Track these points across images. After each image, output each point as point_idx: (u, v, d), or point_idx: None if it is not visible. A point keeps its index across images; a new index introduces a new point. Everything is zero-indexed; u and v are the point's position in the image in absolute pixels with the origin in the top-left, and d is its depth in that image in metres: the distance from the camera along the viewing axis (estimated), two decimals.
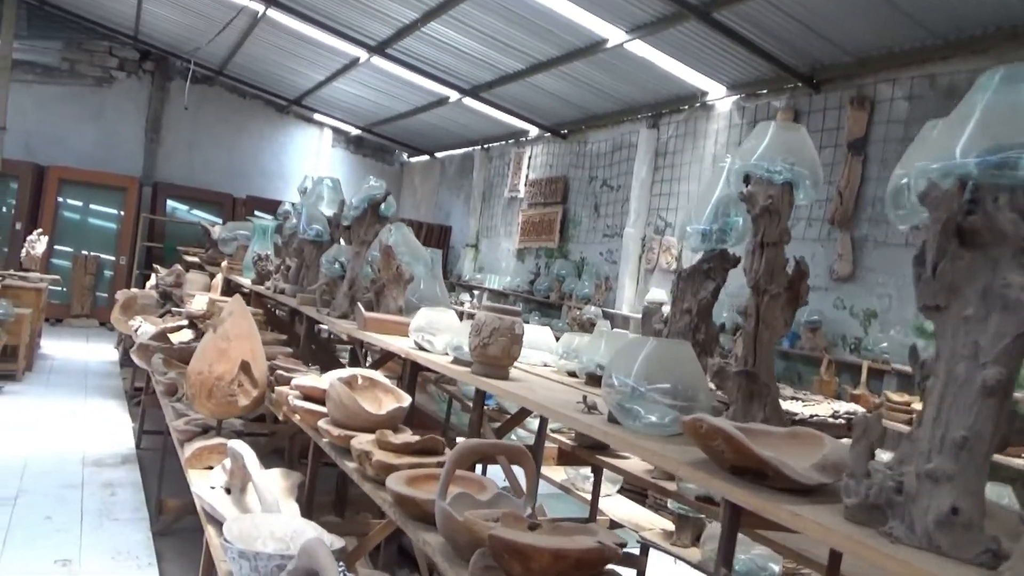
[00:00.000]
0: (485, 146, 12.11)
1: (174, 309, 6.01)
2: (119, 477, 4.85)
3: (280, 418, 3.17)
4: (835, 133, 6.40)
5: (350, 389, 2.55)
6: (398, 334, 3.33)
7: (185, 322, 6.18)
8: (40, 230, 8.93)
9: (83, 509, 4.25)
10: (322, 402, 2.73)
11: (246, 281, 5.95)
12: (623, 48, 7.03)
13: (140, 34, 11.94)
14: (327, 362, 4.52)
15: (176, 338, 5.76)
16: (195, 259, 8.76)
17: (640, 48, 6.96)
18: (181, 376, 4.39)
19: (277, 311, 6.01)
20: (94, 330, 11.24)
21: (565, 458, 3.25)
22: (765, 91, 7.12)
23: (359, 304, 3.43)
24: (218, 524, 2.61)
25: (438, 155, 13.93)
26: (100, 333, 11.00)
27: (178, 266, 8.83)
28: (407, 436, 2.28)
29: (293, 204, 7.42)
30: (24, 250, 8.49)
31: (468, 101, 10.07)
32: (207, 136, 13.35)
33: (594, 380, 2.52)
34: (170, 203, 12.91)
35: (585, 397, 1.96)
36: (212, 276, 7.04)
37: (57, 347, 9.19)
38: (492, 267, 11.60)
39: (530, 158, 10.92)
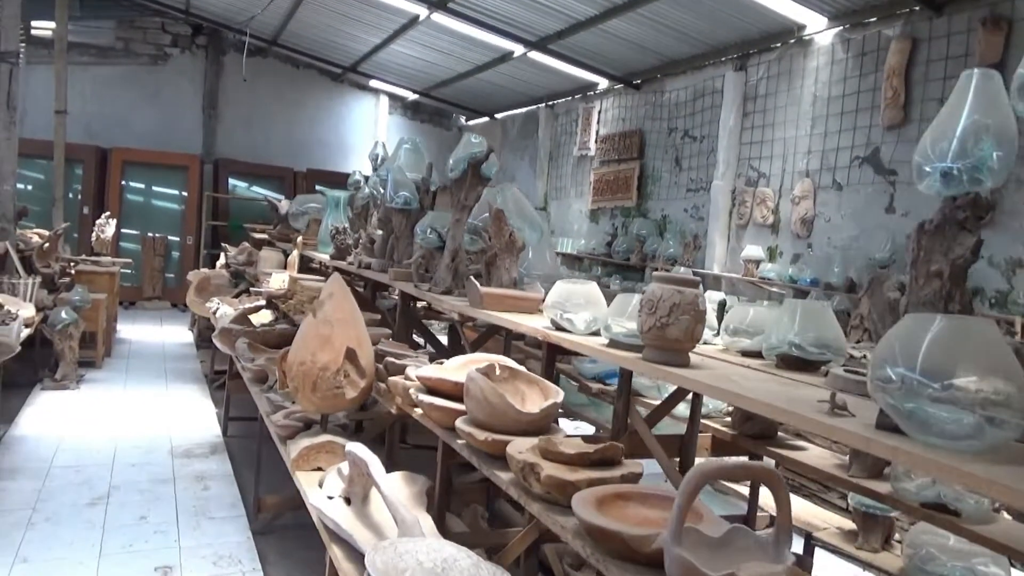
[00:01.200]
0: (549, 103, 11.54)
1: (252, 289, 5.72)
2: (210, 469, 4.60)
3: (393, 411, 2.80)
4: (962, 61, 5.68)
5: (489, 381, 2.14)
6: (521, 311, 2.91)
7: (263, 302, 5.90)
8: (108, 213, 8.78)
9: (178, 507, 3.99)
10: (450, 396, 2.33)
11: (323, 256, 5.62)
12: None
13: (191, 7, 11.64)
14: (428, 344, 4.15)
15: (255, 319, 5.48)
16: (263, 236, 8.50)
17: None
18: (271, 362, 4.08)
19: (358, 287, 5.66)
20: (167, 312, 11.19)
21: (722, 449, 2.80)
22: (874, 19, 6.39)
23: (471, 278, 3.01)
24: (342, 543, 2.25)
25: (498, 116, 13.40)
26: (173, 315, 10.94)
27: (246, 244, 8.61)
28: (578, 443, 1.86)
29: (368, 175, 7.07)
30: (94, 234, 8.35)
31: (534, 55, 9.50)
32: (263, 109, 13.09)
33: (790, 363, 2.06)
34: (231, 180, 12.72)
35: (834, 395, 1.49)
36: (285, 253, 6.74)
37: (133, 331, 9.10)
38: (563, 230, 11.10)
39: (600, 112, 10.32)
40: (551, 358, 2.55)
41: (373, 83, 13.44)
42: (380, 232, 4.55)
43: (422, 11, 8.91)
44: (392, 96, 14.01)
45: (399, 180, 4.15)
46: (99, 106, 11.93)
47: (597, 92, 10.33)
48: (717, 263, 7.90)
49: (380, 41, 10.74)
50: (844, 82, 6.66)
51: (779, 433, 2.72)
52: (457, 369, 2.49)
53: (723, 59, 8.04)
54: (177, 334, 9.28)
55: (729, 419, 2.86)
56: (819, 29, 6.81)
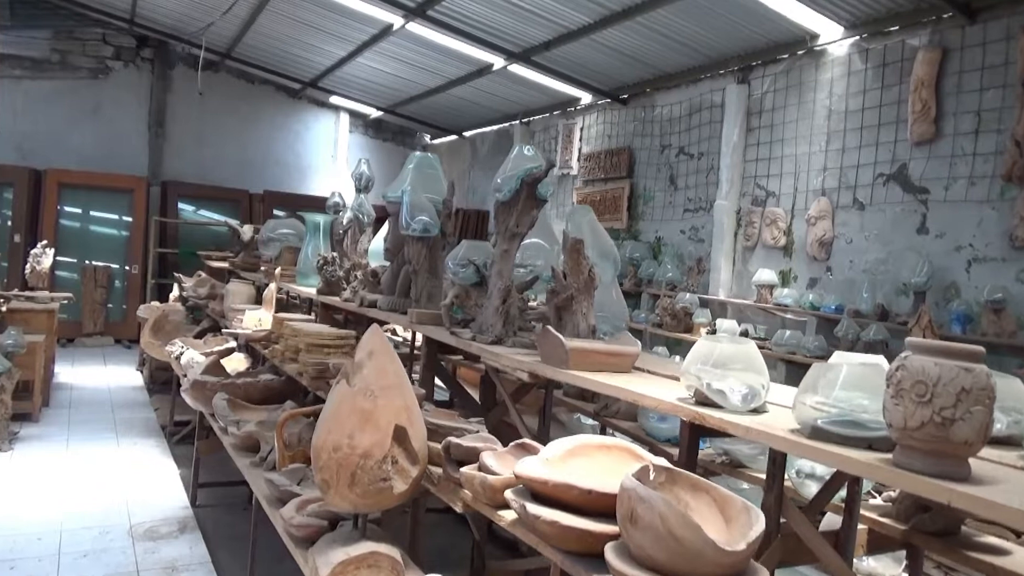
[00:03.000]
0: (525, 120, 10.97)
1: (225, 331, 4.92)
2: (182, 556, 3.79)
3: (458, 508, 2.11)
4: (1002, 71, 5.30)
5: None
6: (612, 369, 2.27)
7: (232, 344, 5.11)
8: (44, 242, 7.81)
9: None
10: (573, 507, 1.66)
11: (305, 290, 4.87)
12: None
13: (137, 17, 10.74)
14: (465, 405, 3.45)
15: (227, 365, 4.69)
16: (222, 264, 7.67)
17: None
18: (263, 428, 3.33)
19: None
20: (110, 349, 10.16)
21: (885, 545, 2.19)
22: (895, 28, 5.99)
23: (547, 328, 2.34)
24: None
25: (467, 134, 12.78)
26: (117, 352, 9.92)
27: (203, 274, 7.76)
28: None
29: (351, 195, 6.38)
30: (28, 266, 7.38)
31: (514, 68, 8.92)
32: (215, 127, 12.20)
33: None
34: (181, 204, 11.76)
35: None
36: (256, 285, 5.95)
37: (73, 374, 8.11)
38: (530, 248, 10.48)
39: (583, 129, 9.78)
40: (694, 441, 1.90)
41: (334, 100, 12.69)
42: (388, 264, 3.85)
43: (397, 20, 8.25)
44: (353, 113, 13.27)
45: (416, 203, 3.47)
46: (32, 124, 10.89)
47: (579, 108, 9.80)
48: (723, 288, 7.38)
49: (345, 54, 10.03)
50: (863, 95, 6.23)
51: (963, 527, 2.12)
52: (565, 461, 1.82)
53: (722, 72, 7.58)
54: (124, 376, 8.32)
55: (888, 505, 2.25)
56: (834, 39, 6.39)
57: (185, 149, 11.99)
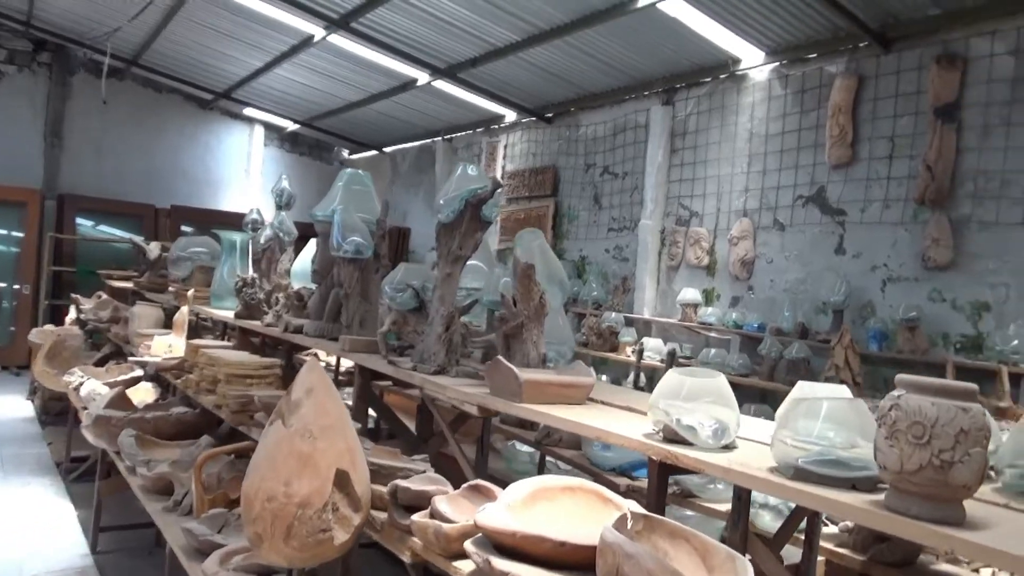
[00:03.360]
0: (448, 136, 10.84)
1: (132, 359, 4.55)
2: None
3: (407, 559, 1.93)
4: (915, 99, 5.52)
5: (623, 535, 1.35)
6: (566, 401, 2.15)
7: (139, 372, 4.75)
8: None
9: None
10: (543, 560, 1.52)
11: (221, 314, 4.57)
12: (655, 8, 5.94)
13: (33, 19, 10.04)
14: (400, 436, 3.25)
15: (134, 397, 4.34)
16: (125, 285, 7.20)
17: (676, 8, 5.89)
18: (177, 468, 3.05)
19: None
20: None
21: (839, 575, 2.14)
22: (814, 55, 6.18)
23: (499, 359, 2.19)
24: None
25: (387, 150, 12.54)
26: (4, 380, 9.15)
27: (103, 295, 7.27)
28: None
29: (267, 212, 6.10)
30: None
31: (439, 84, 8.79)
32: (118, 138, 11.52)
33: None
34: (79, 219, 11.02)
35: None
36: (165, 308, 5.57)
37: None
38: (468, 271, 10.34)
39: (506, 147, 9.73)
40: (662, 480, 1.79)
41: (248, 111, 12.21)
42: (315, 286, 3.62)
43: (318, 31, 7.99)
44: (268, 126, 12.81)
45: (348, 223, 3.27)
46: None
47: (503, 125, 9.74)
48: (647, 307, 7.42)
49: (262, 65, 9.65)
50: (783, 119, 6.40)
51: (921, 556, 2.09)
52: (527, 507, 1.68)
53: (646, 93, 7.66)
54: (12, 406, 7.65)
55: (845, 535, 2.20)
56: (755, 64, 6.54)
57: (84, 160, 11.27)
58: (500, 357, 2.19)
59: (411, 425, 3.47)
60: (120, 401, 3.92)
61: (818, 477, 1.45)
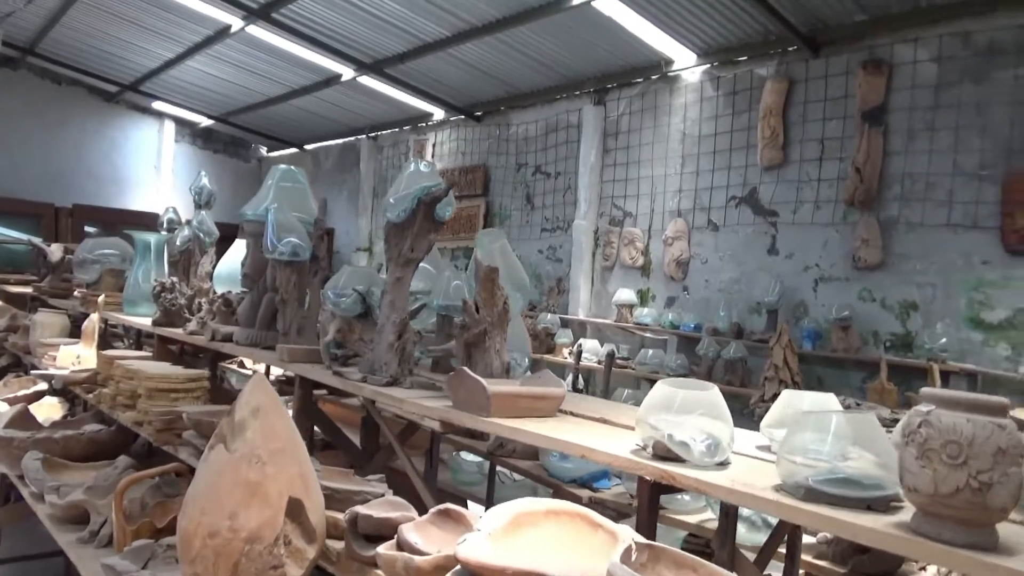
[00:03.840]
0: (372, 134, 10.53)
1: (35, 372, 4.14)
2: None
3: None
4: (843, 102, 5.64)
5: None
6: (536, 414, 2.01)
7: (43, 386, 4.34)
8: None
9: None
10: None
11: (137, 321, 4.22)
12: (589, 7, 5.87)
13: None
14: (344, 450, 3.03)
15: (38, 413, 3.94)
16: (23, 290, 6.65)
17: (611, 6, 5.84)
18: (93, 495, 2.75)
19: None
20: None
21: None
22: (744, 58, 6.25)
23: (464, 369, 2.02)
24: None
25: (308, 147, 12.12)
26: None
27: None
28: None
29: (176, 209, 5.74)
30: None
31: (365, 80, 8.50)
32: (13, 133, 10.70)
33: None
34: None
35: None
36: (71, 316, 5.13)
37: None
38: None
39: (435, 145, 9.52)
40: (654, 497, 1.65)
41: (157, 105, 11.57)
42: (244, 292, 3.35)
43: (236, 21, 7.59)
44: (180, 121, 12.18)
45: (283, 223, 3.02)
46: None
47: (431, 123, 9.53)
48: (583, 308, 7.37)
49: (174, 56, 9.13)
50: (715, 120, 6.45)
51: (903, 566, 2.04)
52: (510, 535, 1.52)
53: (578, 92, 7.61)
54: None
55: (824, 546, 2.14)
56: (687, 65, 6.57)
57: None
58: (464, 368, 2.02)
59: (353, 437, 3.26)
60: (22, 419, 3.53)
61: (830, 497, 1.35)
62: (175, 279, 4.20)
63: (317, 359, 2.77)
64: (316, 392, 4.24)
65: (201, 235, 4.97)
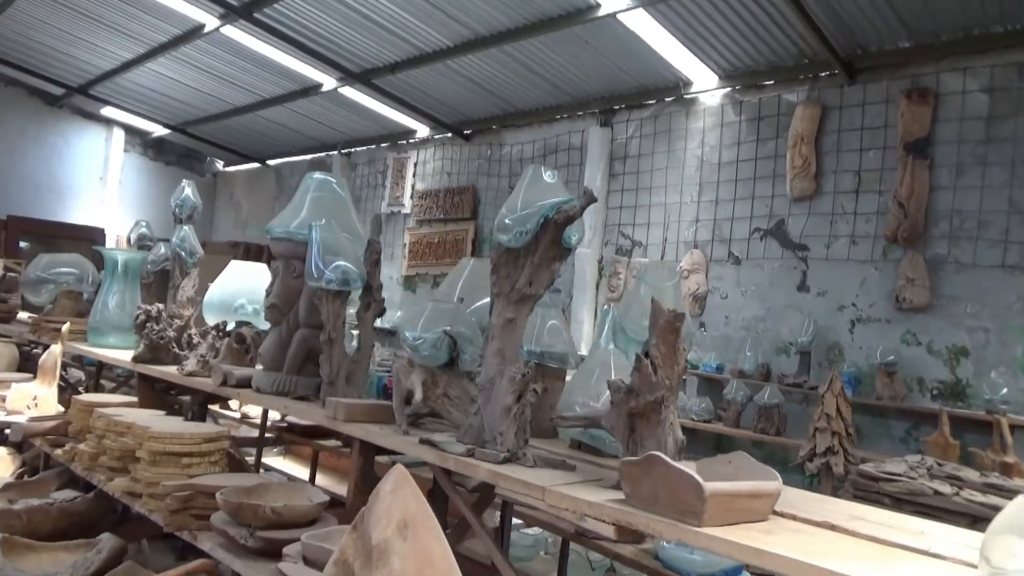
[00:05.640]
0: (345, 151, 9.88)
1: None
2: None
3: None
4: (882, 132, 5.32)
5: None
6: (754, 518, 1.47)
7: None
8: None
9: None
10: None
11: (109, 355, 3.52)
12: (614, 19, 5.44)
13: None
14: None
15: None
16: None
17: (637, 19, 5.42)
18: None
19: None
20: None
21: None
22: (771, 82, 5.90)
23: (660, 457, 1.46)
24: None
25: (271, 163, 11.36)
26: None
27: None
28: None
29: (148, 226, 5.09)
30: None
31: (347, 91, 7.89)
32: None
33: None
34: None
35: None
36: (20, 345, 4.35)
37: None
38: None
39: (416, 164, 8.93)
40: None
41: (107, 111, 10.66)
42: (281, 327, 2.71)
43: (211, 21, 6.89)
44: (130, 129, 11.28)
45: (330, 243, 2.42)
46: None
47: (413, 140, 8.94)
48: (585, 343, 6.84)
49: (133, 57, 8.34)
50: (738, 147, 6.07)
51: None
52: None
53: (581, 113, 7.17)
54: None
55: None
56: (707, 88, 6.19)
57: None
58: (659, 454, 1.46)
59: None
60: None
61: None
62: (160, 306, 3.52)
63: (381, 418, 2.18)
64: (325, 443, 3.60)
65: (183, 254, 4.29)
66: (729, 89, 6.12)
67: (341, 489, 3.90)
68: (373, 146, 9.49)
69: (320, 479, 3.93)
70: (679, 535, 1.40)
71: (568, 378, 2.41)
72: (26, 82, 10.09)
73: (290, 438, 3.65)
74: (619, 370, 2.15)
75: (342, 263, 2.38)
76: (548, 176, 1.97)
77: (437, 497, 2.37)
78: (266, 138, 10.34)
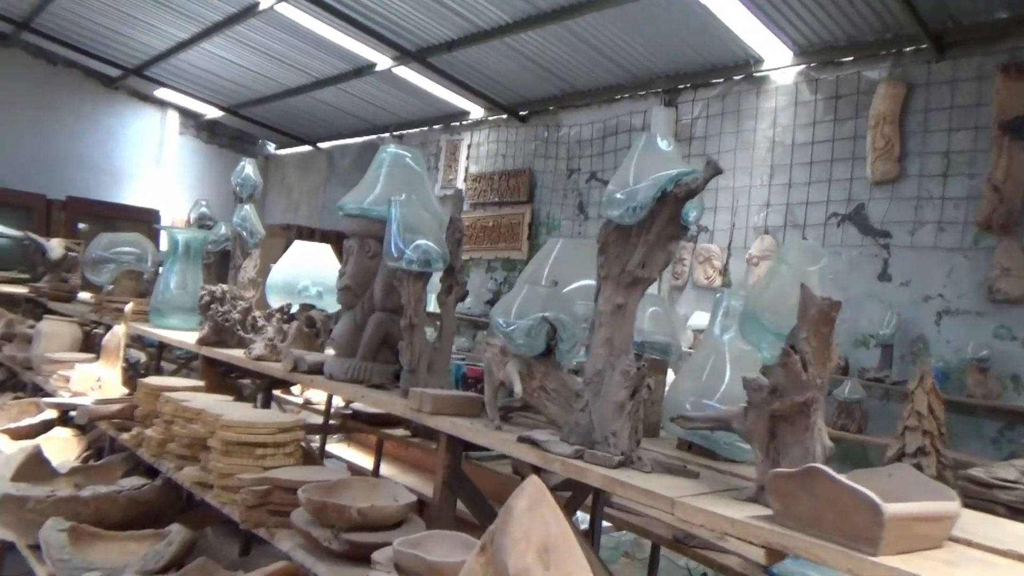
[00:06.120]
0: (397, 133, 9.75)
1: (46, 400, 3.30)
2: None
3: None
4: (974, 111, 4.97)
5: None
6: (926, 544, 1.25)
7: (49, 415, 3.51)
8: None
9: None
10: None
11: (170, 336, 3.42)
12: None
13: None
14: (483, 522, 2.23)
15: (49, 453, 3.10)
16: (15, 290, 5.80)
17: None
18: None
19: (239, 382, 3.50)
20: None
21: None
22: (850, 59, 5.57)
23: (822, 471, 1.26)
24: None
25: (322, 145, 11.30)
26: None
27: None
28: None
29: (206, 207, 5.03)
30: None
31: (401, 70, 7.74)
32: (2, 117, 9.78)
33: None
34: None
35: None
36: (85, 326, 4.30)
37: None
38: None
39: (470, 147, 8.76)
40: None
41: (161, 93, 10.70)
42: (341, 310, 2.56)
43: None
44: (184, 112, 11.32)
45: (410, 220, 2.25)
46: None
47: (467, 122, 8.77)
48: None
49: (188, 37, 8.31)
50: (813, 127, 5.75)
51: None
52: None
53: (643, 92, 6.90)
54: None
55: None
56: (781, 65, 5.88)
57: None
58: (822, 467, 1.25)
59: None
60: (35, 466, 2.71)
61: None
62: (224, 287, 3.40)
63: (469, 411, 2.01)
64: (393, 432, 3.46)
65: (244, 234, 4.18)
66: (804, 66, 5.80)
67: (406, 479, 3.77)
68: (426, 128, 9.34)
69: (384, 468, 3.80)
70: (851, 565, 1.20)
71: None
72: (83, 64, 10.16)
73: (355, 426, 3.52)
74: (736, 364, 1.95)
75: (423, 242, 2.20)
76: (664, 145, 1.76)
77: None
78: (318, 120, 10.27)
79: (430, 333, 2.54)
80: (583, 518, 2.44)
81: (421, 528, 1.88)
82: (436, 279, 2.37)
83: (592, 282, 2.36)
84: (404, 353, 2.21)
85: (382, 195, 2.48)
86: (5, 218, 9.60)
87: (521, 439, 1.73)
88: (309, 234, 9.19)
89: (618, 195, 1.70)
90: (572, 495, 2.23)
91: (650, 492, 1.44)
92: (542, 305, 1.93)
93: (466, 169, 8.72)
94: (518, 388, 1.80)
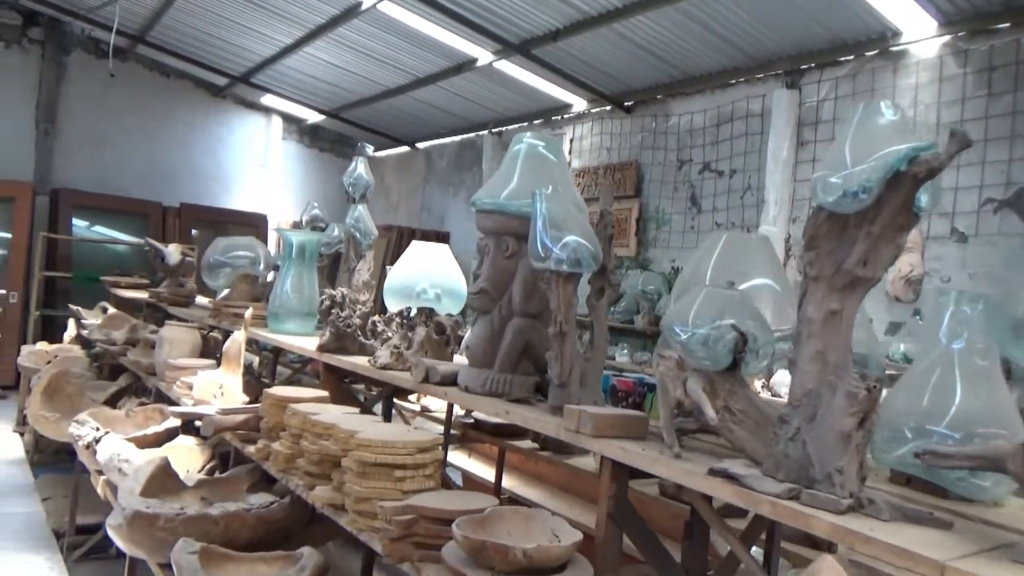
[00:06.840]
0: (496, 130, 9.57)
1: (173, 409, 3.25)
2: None
3: None
4: None
5: None
6: None
7: (173, 423, 3.46)
8: None
9: None
10: None
11: (288, 341, 3.31)
12: None
13: None
14: (652, 558, 1.98)
15: (180, 461, 3.02)
16: (137, 295, 5.93)
17: None
18: None
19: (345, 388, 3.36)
20: None
21: None
22: (1007, 24, 4.99)
23: None
24: None
25: (420, 146, 11.27)
26: None
27: (109, 307, 6.00)
28: None
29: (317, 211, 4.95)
30: None
31: (502, 64, 7.54)
32: (119, 127, 10.18)
33: None
34: (75, 218, 9.63)
35: None
36: (204, 332, 4.29)
37: None
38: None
39: (572, 141, 8.49)
40: None
41: (266, 100, 10.92)
42: (474, 314, 2.35)
43: None
44: (287, 117, 11.53)
45: (557, 216, 2.00)
46: None
47: (568, 116, 8.50)
48: None
49: (292, 41, 8.38)
50: (962, 104, 5.20)
51: None
52: None
53: (761, 75, 6.46)
54: None
55: None
56: (923, 36, 5.34)
57: (81, 151, 9.92)
58: None
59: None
60: (162, 479, 2.62)
61: None
62: (344, 291, 3.27)
63: (633, 432, 1.75)
64: (519, 444, 3.22)
65: (357, 235, 4.07)
66: (950, 37, 5.24)
67: (531, 492, 3.55)
68: (526, 124, 9.12)
69: (506, 481, 3.60)
70: None
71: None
72: (192, 74, 10.48)
73: (477, 436, 3.32)
74: (970, 381, 1.62)
75: (572, 239, 1.96)
76: (890, 112, 1.44)
77: (695, 534, 1.92)
78: (416, 120, 10.23)
79: None
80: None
81: (588, 570, 1.63)
82: (584, 280, 2.13)
83: (766, 281, 2.07)
84: (553, 365, 1.97)
85: (519, 188, 2.26)
86: (125, 225, 10.03)
87: (713, 472, 1.46)
88: (410, 235, 9.14)
89: (832, 179, 1.40)
90: (748, 528, 1.94)
91: (907, 551, 1.14)
92: (724, 310, 1.64)
93: (569, 164, 8.45)
94: (710, 411, 1.53)
